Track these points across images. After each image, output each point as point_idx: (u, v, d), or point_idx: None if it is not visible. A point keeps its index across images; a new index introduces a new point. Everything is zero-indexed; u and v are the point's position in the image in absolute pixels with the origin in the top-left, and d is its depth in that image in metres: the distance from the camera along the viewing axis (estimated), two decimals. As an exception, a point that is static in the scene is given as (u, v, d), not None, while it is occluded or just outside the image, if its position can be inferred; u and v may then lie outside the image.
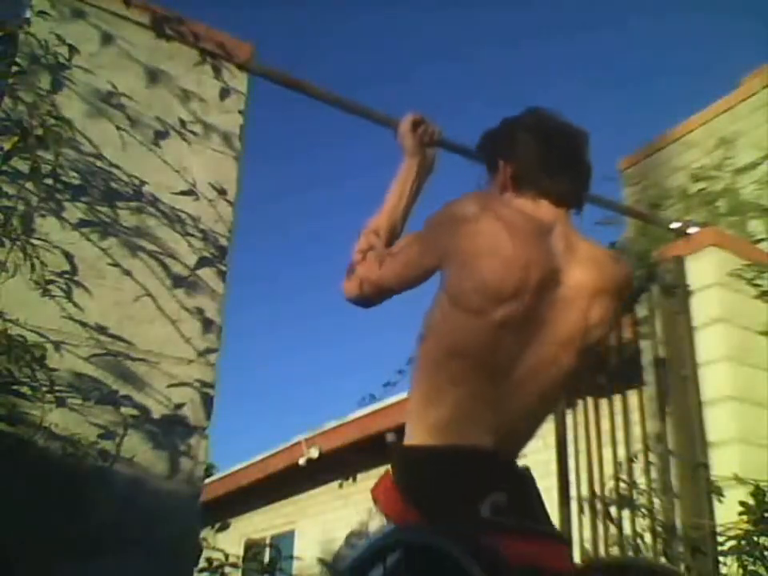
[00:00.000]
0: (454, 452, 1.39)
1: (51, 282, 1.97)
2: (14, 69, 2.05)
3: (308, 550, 7.77)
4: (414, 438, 1.44)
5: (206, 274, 2.24)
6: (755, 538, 2.55)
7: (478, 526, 1.30)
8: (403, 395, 6.40)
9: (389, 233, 1.71)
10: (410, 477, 1.41)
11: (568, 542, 1.60)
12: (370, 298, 1.63)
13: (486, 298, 1.40)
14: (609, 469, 3.09)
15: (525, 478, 1.46)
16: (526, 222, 1.47)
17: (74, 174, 2.10)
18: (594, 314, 1.47)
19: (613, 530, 2.95)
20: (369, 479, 7.61)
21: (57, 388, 1.90)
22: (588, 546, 3.00)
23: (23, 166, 1.99)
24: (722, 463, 2.79)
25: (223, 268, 2.28)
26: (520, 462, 1.49)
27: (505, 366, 1.42)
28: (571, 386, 1.53)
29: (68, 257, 2.03)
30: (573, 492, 3.20)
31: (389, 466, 1.46)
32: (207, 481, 4.56)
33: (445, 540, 1.20)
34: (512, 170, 1.56)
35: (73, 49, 2.17)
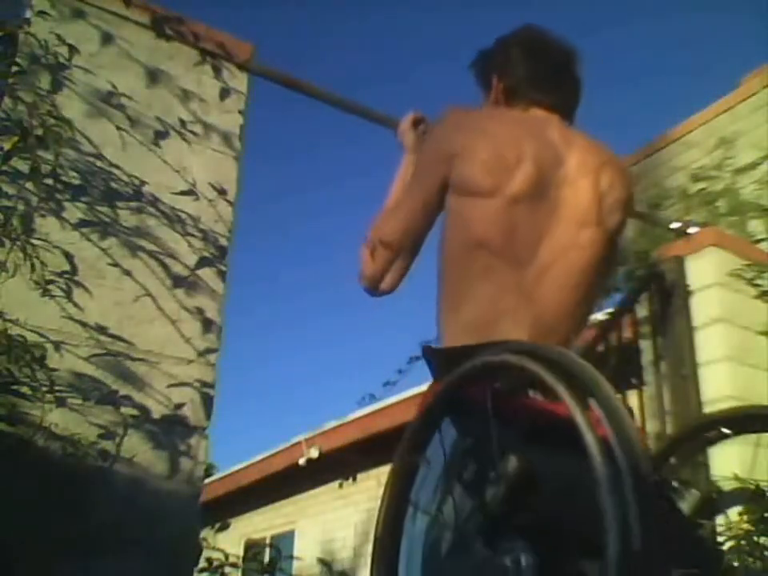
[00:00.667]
0: (492, 347, 1.32)
1: (51, 281, 1.97)
2: (14, 69, 2.05)
3: (308, 550, 7.78)
4: (449, 338, 1.42)
5: (206, 273, 2.24)
6: (755, 538, 2.55)
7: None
8: (403, 395, 6.41)
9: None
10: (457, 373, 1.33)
11: None
12: (391, 283, 1.56)
13: (494, 171, 1.41)
14: (609, 469, 3.09)
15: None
16: (518, 117, 1.55)
17: (74, 174, 2.10)
18: (604, 181, 1.49)
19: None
20: (369, 479, 7.61)
21: (57, 388, 1.90)
22: (588, 545, 3.00)
23: (23, 166, 1.99)
24: (722, 463, 2.79)
25: (223, 268, 2.28)
26: None
27: (526, 251, 1.41)
28: (601, 274, 1.50)
29: (68, 257, 2.03)
30: (573, 492, 3.20)
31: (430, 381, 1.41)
32: (207, 481, 4.57)
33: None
34: (504, 85, 1.60)
35: (73, 49, 2.17)
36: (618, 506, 0.91)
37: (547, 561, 1.09)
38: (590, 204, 1.47)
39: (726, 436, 1.47)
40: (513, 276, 1.40)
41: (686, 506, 1.52)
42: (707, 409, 2.91)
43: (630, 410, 1.46)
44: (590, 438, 0.96)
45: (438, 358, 1.43)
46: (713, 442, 1.54)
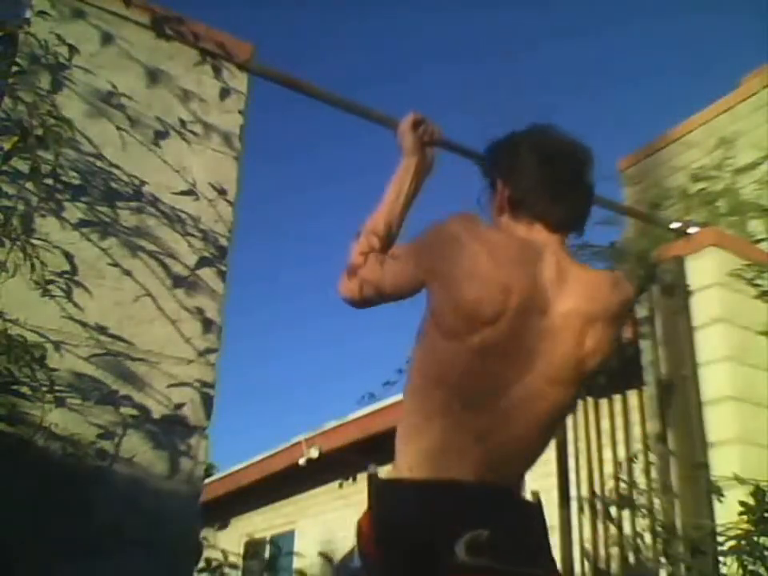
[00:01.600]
0: (432, 487, 1.33)
1: (51, 281, 1.97)
2: (14, 69, 2.05)
3: (308, 550, 7.77)
4: (395, 469, 1.40)
5: (206, 274, 2.24)
6: (755, 538, 2.55)
7: (446, 569, 1.23)
8: (403, 395, 6.39)
9: (388, 233, 1.70)
10: (380, 511, 1.35)
11: None
12: (369, 300, 1.62)
13: (463, 321, 1.36)
14: (609, 469, 3.10)
15: (523, 511, 1.39)
16: (514, 246, 1.44)
17: (74, 174, 2.10)
18: (589, 343, 1.40)
19: (613, 530, 2.95)
20: (369, 479, 7.60)
21: (57, 388, 1.90)
22: (588, 546, 3.01)
23: (23, 166, 1.99)
24: (722, 463, 2.79)
25: (223, 268, 2.28)
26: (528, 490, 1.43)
27: (490, 396, 1.36)
28: (566, 416, 1.48)
29: (68, 257, 2.03)
30: (573, 492, 3.20)
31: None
32: (207, 481, 4.57)
33: None
34: (510, 192, 1.52)
35: (73, 49, 2.17)
36: None
37: None
38: (568, 361, 1.39)
39: None
40: (471, 418, 1.36)
41: None
42: (707, 408, 2.91)
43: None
44: None
45: (372, 489, 1.40)
46: None
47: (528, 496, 1.43)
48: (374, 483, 1.40)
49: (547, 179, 1.50)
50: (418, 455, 1.37)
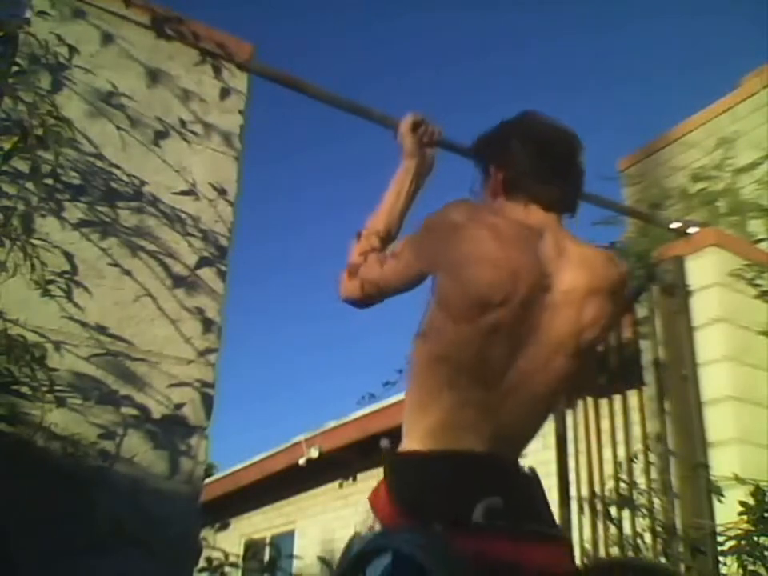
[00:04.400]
0: (446, 458, 1.38)
1: (51, 281, 1.97)
2: (14, 69, 2.05)
3: (308, 550, 7.77)
4: (407, 444, 1.43)
5: (206, 274, 2.24)
6: (755, 538, 2.55)
7: (467, 530, 1.28)
8: (403, 395, 6.39)
9: (388, 233, 1.71)
10: (402, 484, 1.40)
11: (569, 544, 1.59)
12: (372, 298, 1.64)
13: (474, 306, 1.39)
14: (609, 469, 3.10)
15: (527, 480, 1.44)
16: (515, 229, 1.46)
17: (74, 174, 2.10)
18: (587, 315, 1.44)
19: (613, 530, 2.95)
20: (369, 479, 7.61)
21: (57, 388, 1.89)
22: (588, 545, 3.00)
23: (23, 166, 1.99)
24: (722, 463, 2.79)
25: (223, 268, 2.27)
26: (524, 463, 1.47)
27: (496, 371, 1.40)
28: (568, 389, 1.52)
29: (68, 257, 2.03)
30: (573, 492, 3.20)
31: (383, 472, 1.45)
32: (207, 481, 4.56)
33: (409, 544, 1.19)
34: (503, 176, 1.55)
35: (73, 49, 2.17)
36: None
37: None
38: (569, 332, 1.43)
39: None
40: (478, 393, 1.40)
41: None
42: (707, 408, 2.91)
43: (564, 539, 1.58)
44: None
45: (389, 461, 1.45)
46: None
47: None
48: (389, 458, 1.45)
49: (539, 161, 1.54)
50: (428, 430, 1.40)
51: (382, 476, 1.45)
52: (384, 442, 1.46)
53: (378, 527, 1.38)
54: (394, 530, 1.32)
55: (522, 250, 1.43)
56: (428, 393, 1.43)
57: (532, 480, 1.45)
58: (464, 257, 1.41)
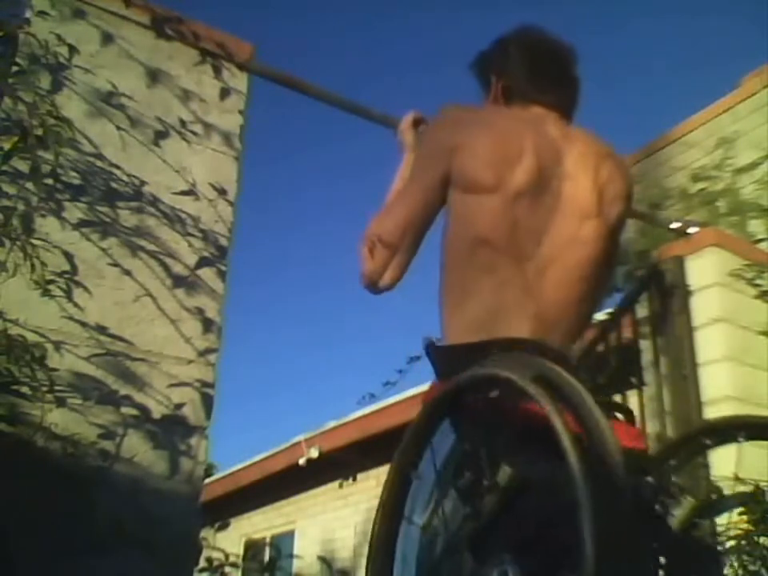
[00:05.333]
0: (496, 345, 1.34)
1: (51, 281, 1.97)
2: (14, 69, 2.05)
3: (308, 550, 7.77)
4: (451, 335, 1.42)
5: (206, 274, 2.24)
6: (755, 538, 2.55)
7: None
8: (403, 395, 6.40)
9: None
10: (456, 372, 1.32)
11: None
12: (385, 262, 1.51)
13: (496, 166, 1.42)
14: (609, 469, 3.09)
15: (576, 368, 1.45)
16: (517, 113, 1.56)
17: (74, 174, 2.10)
18: (603, 174, 1.50)
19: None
20: (369, 479, 7.61)
21: (57, 388, 1.89)
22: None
23: (23, 166, 1.99)
24: (722, 463, 2.79)
25: (223, 268, 2.27)
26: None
27: (528, 246, 1.42)
28: (604, 268, 1.50)
29: (68, 257, 2.03)
30: (573, 492, 3.20)
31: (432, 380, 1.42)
32: (207, 481, 4.57)
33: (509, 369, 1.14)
34: (503, 83, 1.61)
35: (73, 49, 2.17)
36: (591, 513, 0.91)
37: (535, 574, 1.10)
38: (591, 197, 1.47)
39: (726, 441, 1.48)
40: (515, 272, 1.41)
41: (683, 510, 1.52)
42: (707, 409, 2.91)
43: (630, 413, 1.46)
44: (566, 442, 0.97)
45: (440, 356, 1.43)
46: (710, 447, 1.55)
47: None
48: (439, 351, 1.43)
49: (537, 68, 1.61)
50: (471, 319, 1.40)
51: (430, 384, 1.42)
52: (427, 338, 1.44)
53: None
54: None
55: (528, 126, 1.50)
56: (466, 280, 1.43)
57: (579, 368, 1.47)
58: (478, 130, 1.47)
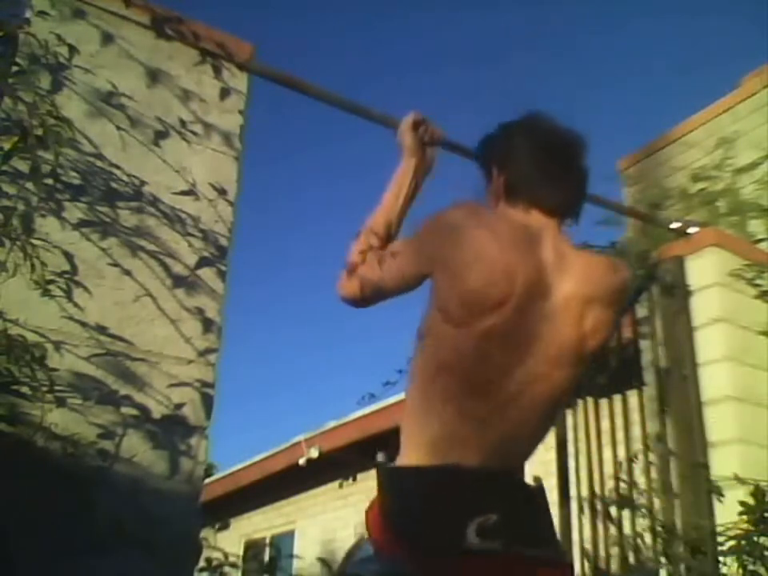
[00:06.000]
0: (440, 472, 1.34)
1: (51, 281, 1.97)
2: (14, 69, 2.05)
3: (308, 550, 7.78)
4: (402, 457, 1.41)
5: (206, 274, 2.24)
6: (755, 538, 2.55)
7: (457, 552, 1.25)
8: (403, 395, 6.40)
9: (387, 232, 1.70)
10: (393, 502, 1.37)
11: (568, 564, 1.56)
12: (369, 299, 1.62)
13: (470, 307, 1.36)
14: (609, 469, 3.10)
15: (529, 495, 1.41)
16: (513, 231, 1.44)
17: (74, 174, 2.10)
18: (588, 324, 1.41)
19: (613, 530, 2.95)
20: (369, 479, 7.61)
21: (57, 388, 1.89)
22: (588, 546, 3.01)
23: (23, 166, 1.99)
24: (722, 463, 2.79)
25: (223, 268, 2.27)
26: (530, 474, 1.45)
27: (494, 381, 1.37)
28: (567, 400, 1.49)
29: (68, 257, 2.03)
30: (573, 492, 3.20)
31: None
32: (207, 481, 4.57)
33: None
34: (505, 179, 1.54)
35: (73, 49, 2.17)
36: None
37: None
38: (569, 343, 1.40)
39: None
40: (476, 404, 1.37)
41: None
42: (707, 409, 2.91)
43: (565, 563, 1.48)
44: None
45: (380, 476, 1.44)
46: None
47: (529, 480, 1.45)
48: (383, 472, 1.43)
49: (542, 164, 1.52)
50: (423, 445, 1.38)
51: (376, 491, 1.43)
52: (379, 456, 1.46)
53: (369, 546, 1.36)
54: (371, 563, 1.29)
55: (521, 253, 1.41)
56: (425, 405, 1.40)
57: (535, 494, 1.41)
58: (462, 257, 1.39)
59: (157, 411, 2.04)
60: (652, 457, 2.95)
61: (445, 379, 1.38)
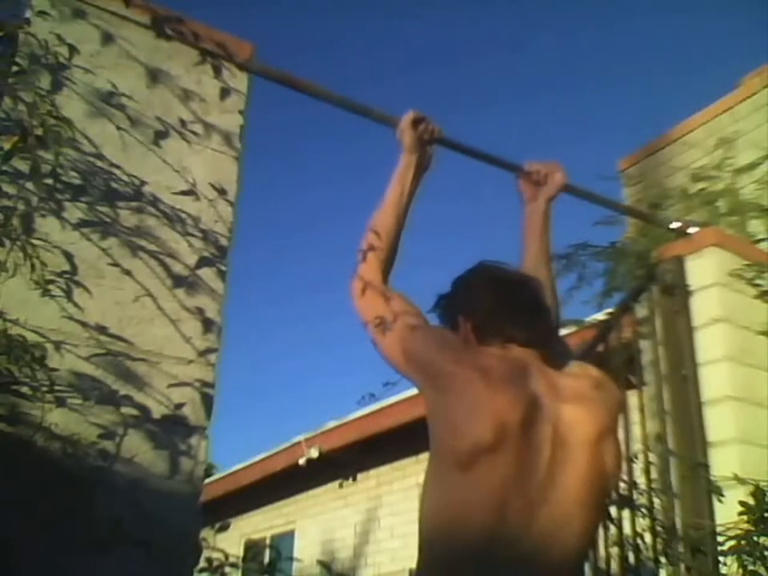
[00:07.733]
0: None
1: (51, 281, 1.97)
2: (14, 69, 2.05)
3: (308, 550, 7.78)
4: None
5: (206, 274, 2.24)
6: (755, 538, 2.55)
7: None
8: (403, 395, 6.40)
9: (388, 231, 1.71)
10: None
11: None
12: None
13: (469, 453, 1.34)
14: (609, 469, 3.09)
15: None
16: (504, 365, 1.44)
17: (74, 174, 2.10)
18: (607, 459, 1.41)
19: (613, 529, 2.95)
20: (369, 479, 7.61)
21: (57, 388, 1.89)
22: (588, 546, 3.00)
23: (23, 166, 1.99)
24: (722, 463, 2.79)
25: (223, 268, 2.27)
26: None
27: (515, 537, 1.31)
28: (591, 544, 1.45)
29: (68, 257, 2.03)
30: (573, 492, 3.20)
31: None
32: (207, 481, 4.57)
33: None
34: (472, 324, 1.54)
35: (73, 49, 2.17)
36: None
37: None
38: (589, 481, 1.38)
39: None
40: (500, 564, 1.32)
41: None
42: (707, 409, 2.90)
43: None
44: None
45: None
46: None
47: None
48: None
49: (505, 305, 1.54)
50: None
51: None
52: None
53: None
54: None
55: (513, 388, 1.39)
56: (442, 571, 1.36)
57: None
58: (462, 408, 1.38)
59: (157, 411, 2.04)
60: (652, 457, 2.95)
61: (459, 543, 1.33)
